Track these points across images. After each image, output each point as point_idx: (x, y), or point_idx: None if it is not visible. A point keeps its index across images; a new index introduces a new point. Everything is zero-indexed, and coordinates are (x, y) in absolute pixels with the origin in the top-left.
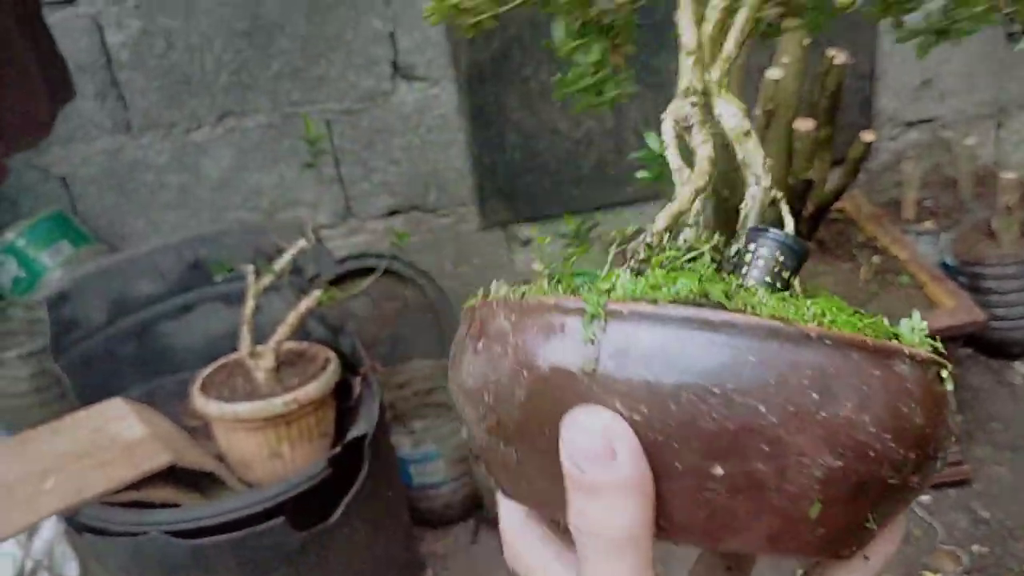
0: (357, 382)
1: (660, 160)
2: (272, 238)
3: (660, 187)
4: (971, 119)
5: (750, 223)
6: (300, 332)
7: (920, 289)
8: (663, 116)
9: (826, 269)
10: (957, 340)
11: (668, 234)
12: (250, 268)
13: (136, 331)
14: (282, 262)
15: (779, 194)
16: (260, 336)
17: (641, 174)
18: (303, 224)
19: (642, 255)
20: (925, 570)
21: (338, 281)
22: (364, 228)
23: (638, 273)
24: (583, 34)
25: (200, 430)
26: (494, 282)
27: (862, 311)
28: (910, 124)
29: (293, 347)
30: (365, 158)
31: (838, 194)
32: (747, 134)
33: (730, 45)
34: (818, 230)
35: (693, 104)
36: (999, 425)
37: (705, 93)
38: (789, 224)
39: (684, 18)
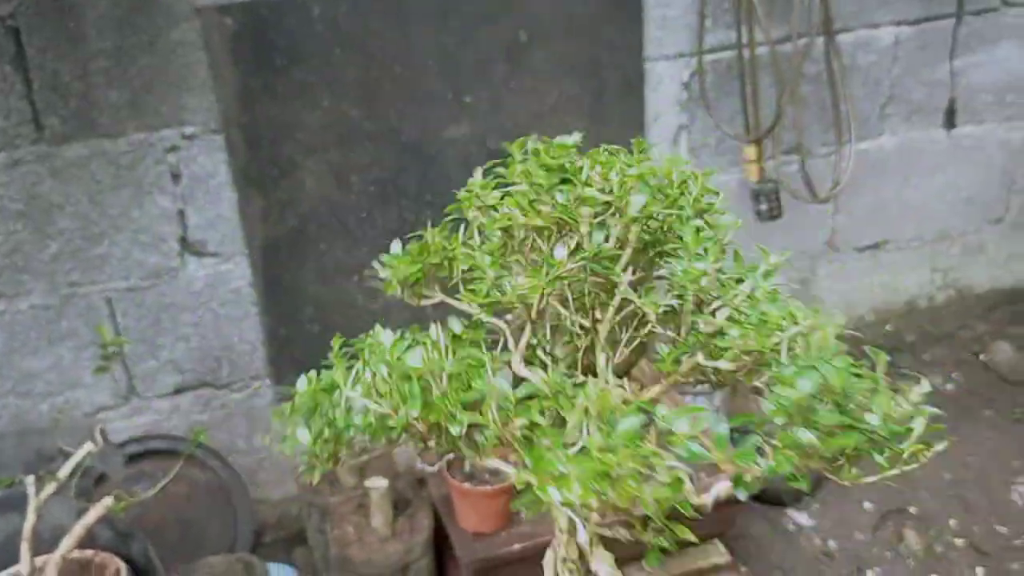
0: None
1: None
2: (55, 440)
3: None
4: None
5: None
6: (86, 537)
7: None
8: None
9: None
10: (741, 501)
11: None
12: (31, 479)
13: None
14: (67, 469)
15: None
16: (40, 544)
17: None
18: (91, 424)
19: None
20: None
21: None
22: (149, 408)
23: None
24: None
25: None
26: None
27: None
28: None
29: (78, 557)
30: (151, 336)
31: None
32: None
33: None
34: None
35: None
36: (779, 573)
37: None
38: None
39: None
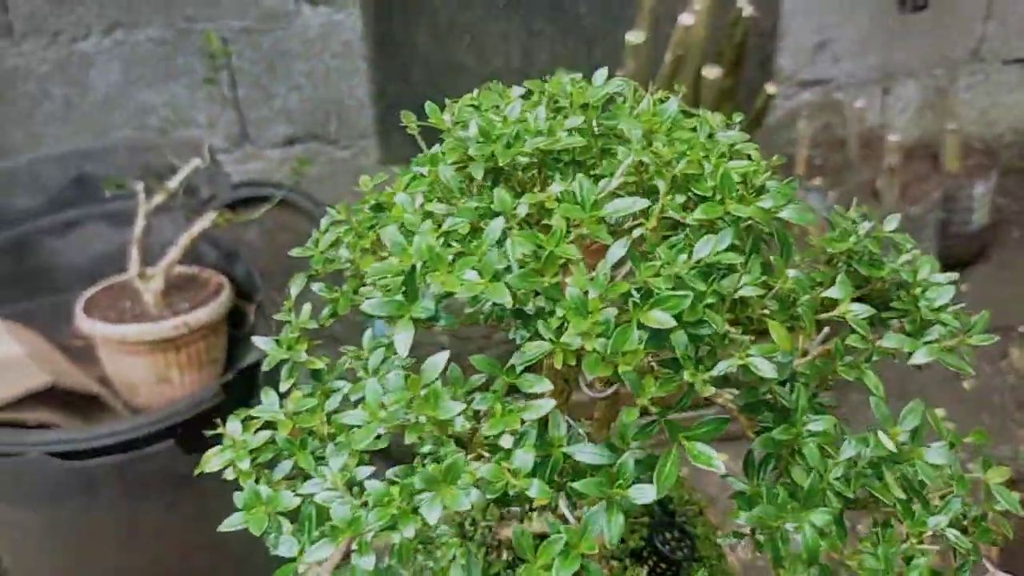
0: (252, 310)
1: None
2: (164, 156)
3: None
4: (861, 83)
5: None
6: (192, 256)
7: None
8: None
9: None
10: None
11: None
12: (141, 186)
13: (12, 247)
14: (175, 181)
15: None
16: (149, 258)
17: None
18: (198, 143)
19: None
20: None
21: (230, 209)
22: (260, 155)
23: None
24: None
25: (83, 353)
26: None
27: None
28: (805, 84)
29: (184, 271)
30: (265, 82)
31: None
32: None
33: None
34: None
35: None
36: None
37: None
38: None
39: None
